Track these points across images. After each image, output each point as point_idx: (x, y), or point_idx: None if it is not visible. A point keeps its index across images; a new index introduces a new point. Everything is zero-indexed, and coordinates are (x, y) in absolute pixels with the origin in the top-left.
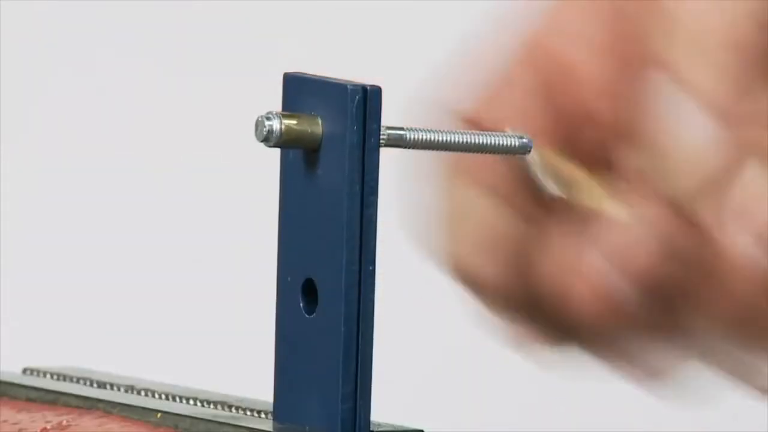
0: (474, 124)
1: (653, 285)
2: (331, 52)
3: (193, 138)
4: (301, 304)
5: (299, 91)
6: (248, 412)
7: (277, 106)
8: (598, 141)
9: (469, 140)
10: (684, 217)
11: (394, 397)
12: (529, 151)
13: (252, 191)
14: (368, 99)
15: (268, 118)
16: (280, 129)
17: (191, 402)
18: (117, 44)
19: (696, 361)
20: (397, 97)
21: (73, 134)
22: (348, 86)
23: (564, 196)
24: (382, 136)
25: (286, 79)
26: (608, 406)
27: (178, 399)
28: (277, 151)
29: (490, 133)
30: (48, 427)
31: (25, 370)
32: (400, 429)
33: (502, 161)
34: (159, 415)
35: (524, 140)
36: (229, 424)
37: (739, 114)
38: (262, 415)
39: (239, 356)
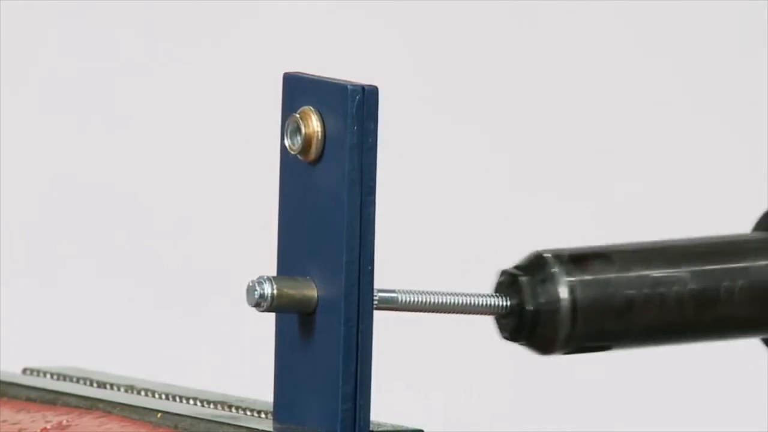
0: None
1: None
2: (330, 51)
3: (192, 138)
4: None
5: (298, 90)
6: (248, 412)
7: (276, 106)
8: None
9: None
10: None
11: (394, 397)
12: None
13: (251, 190)
14: (365, 99)
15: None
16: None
17: (191, 402)
18: (114, 43)
19: None
20: (397, 97)
21: (71, 137)
22: (348, 86)
23: None
24: None
25: (285, 79)
26: (608, 406)
27: (178, 399)
28: (277, 150)
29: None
30: (48, 427)
31: (24, 370)
32: (400, 429)
33: None
34: (159, 415)
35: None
36: (229, 424)
37: None
38: (262, 415)
39: (239, 356)
